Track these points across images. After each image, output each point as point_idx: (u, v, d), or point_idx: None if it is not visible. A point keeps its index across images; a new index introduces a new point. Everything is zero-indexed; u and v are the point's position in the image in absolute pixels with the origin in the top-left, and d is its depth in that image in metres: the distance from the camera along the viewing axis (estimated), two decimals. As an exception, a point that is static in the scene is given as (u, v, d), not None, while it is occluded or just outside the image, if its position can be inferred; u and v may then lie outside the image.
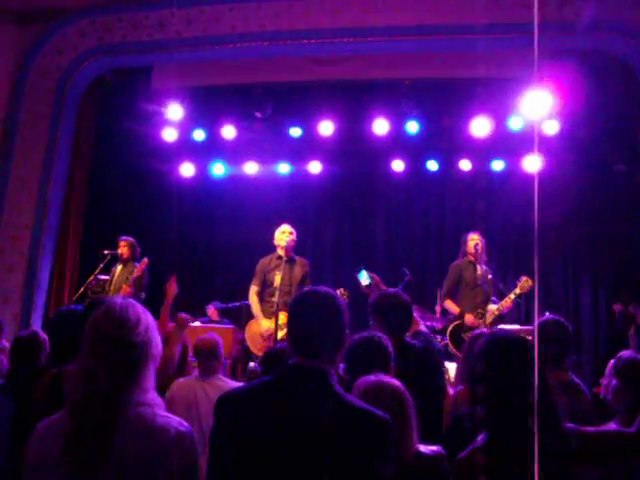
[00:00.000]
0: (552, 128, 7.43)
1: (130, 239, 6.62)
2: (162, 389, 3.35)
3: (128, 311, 1.71)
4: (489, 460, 1.85)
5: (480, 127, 7.47)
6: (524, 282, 5.96)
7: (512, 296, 5.98)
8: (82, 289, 6.41)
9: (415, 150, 8.28)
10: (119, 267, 6.53)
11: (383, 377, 2.13)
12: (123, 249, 6.52)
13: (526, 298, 7.84)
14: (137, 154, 8.19)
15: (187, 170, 8.75)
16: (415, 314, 3.46)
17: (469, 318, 5.96)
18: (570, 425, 2.02)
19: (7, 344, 4.04)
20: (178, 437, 1.63)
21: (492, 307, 6.05)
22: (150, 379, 1.71)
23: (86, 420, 1.60)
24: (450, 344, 5.95)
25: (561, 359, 3.08)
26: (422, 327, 3.62)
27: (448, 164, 8.40)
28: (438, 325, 6.46)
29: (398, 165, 8.42)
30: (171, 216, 8.80)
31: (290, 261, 5.96)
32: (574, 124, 7.31)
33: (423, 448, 2.09)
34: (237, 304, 7.38)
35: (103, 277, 6.52)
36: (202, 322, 7.59)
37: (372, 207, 9.11)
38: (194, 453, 1.66)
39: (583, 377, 5.31)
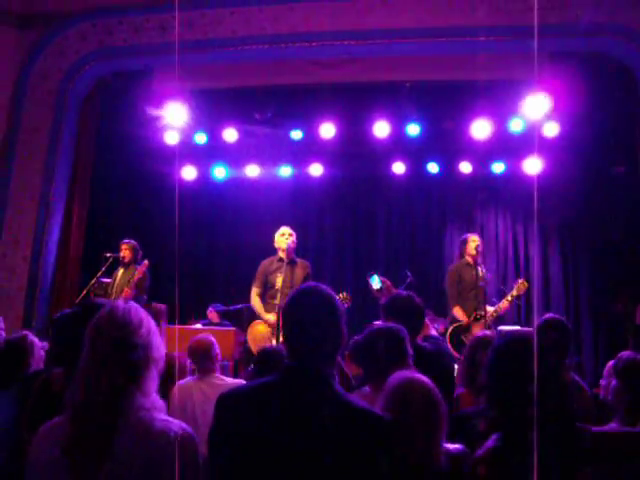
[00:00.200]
0: (552, 130, 7.45)
1: (132, 242, 6.64)
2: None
3: (130, 314, 1.72)
4: (504, 460, 1.82)
5: (480, 129, 7.48)
6: (520, 284, 6.04)
7: (509, 298, 6.01)
8: (84, 292, 6.42)
9: (416, 152, 8.29)
10: (121, 270, 6.55)
11: (415, 374, 2.06)
12: (125, 252, 6.54)
13: (526, 299, 7.87)
14: (139, 157, 8.21)
15: (189, 173, 8.77)
16: (426, 318, 3.47)
17: (477, 331, 5.90)
18: (583, 425, 2.00)
19: None
20: (178, 440, 1.63)
21: (490, 309, 6.06)
22: (152, 382, 1.71)
23: (86, 423, 1.61)
24: (450, 346, 5.96)
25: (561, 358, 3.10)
26: (433, 331, 3.64)
27: (449, 166, 8.41)
28: (440, 327, 6.48)
29: (399, 167, 8.44)
30: (172, 219, 8.80)
31: (291, 263, 5.98)
32: (574, 126, 7.33)
33: (450, 446, 2.06)
34: (238, 306, 7.39)
35: (105, 280, 6.54)
36: (203, 324, 7.62)
37: (373, 209, 9.12)
38: (195, 456, 1.66)
39: (584, 377, 5.34)
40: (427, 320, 3.54)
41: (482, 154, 8.08)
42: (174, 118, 7.41)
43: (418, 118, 7.64)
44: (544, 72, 6.92)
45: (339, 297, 5.81)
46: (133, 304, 1.78)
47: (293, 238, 6.03)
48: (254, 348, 5.90)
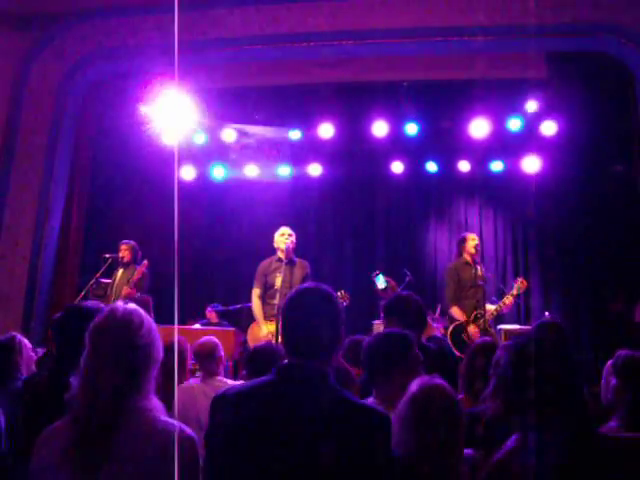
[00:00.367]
0: (550, 129, 7.47)
1: (131, 243, 6.64)
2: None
3: (131, 314, 1.72)
4: (525, 461, 1.79)
5: (479, 128, 7.50)
6: (520, 283, 6.04)
7: (510, 297, 6.01)
8: (83, 293, 6.43)
9: (414, 152, 8.30)
10: (120, 271, 6.55)
11: (436, 380, 2.00)
12: (124, 253, 6.54)
13: (525, 299, 7.88)
14: (137, 157, 8.21)
15: (188, 173, 8.77)
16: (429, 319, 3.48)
17: (472, 329, 5.91)
18: (602, 431, 1.97)
19: None
20: (178, 441, 1.63)
21: (490, 307, 6.06)
22: (151, 383, 1.72)
23: (88, 424, 1.61)
24: (450, 344, 5.97)
25: None
26: (437, 332, 3.64)
27: (447, 165, 8.42)
28: (440, 327, 6.49)
29: (397, 167, 8.45)
30: (171, 219, 8.80)
31: (290, 263, 5.98)
32: (572, 125, 7.34)
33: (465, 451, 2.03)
34: (237, 307, 7.39)
35: (104, 280, 6.54)
36: (202, 324, 7.62)
37: (372, 208, 9.12)
38: (195, 458, 1.66)
39: (584, 377, 5.34)
40: (430, 321, 3.55)
41: (480, 153, 8.10)
42: (173, 118, 7.40)
43: (416, 117, 7.66)
44: (542, 72, 6.93)
45: (337, 295, 5.82)
46: (133, 304, 1.79)
47: (292, 238, 6.03)
48: (254, 349, 5.91)
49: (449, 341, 5.96)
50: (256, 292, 6.05)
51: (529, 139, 7.79)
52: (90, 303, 2.56)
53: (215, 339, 4.14)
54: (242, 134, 8.16)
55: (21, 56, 7.02)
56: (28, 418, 2.30)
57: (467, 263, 6.28)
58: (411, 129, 7.72)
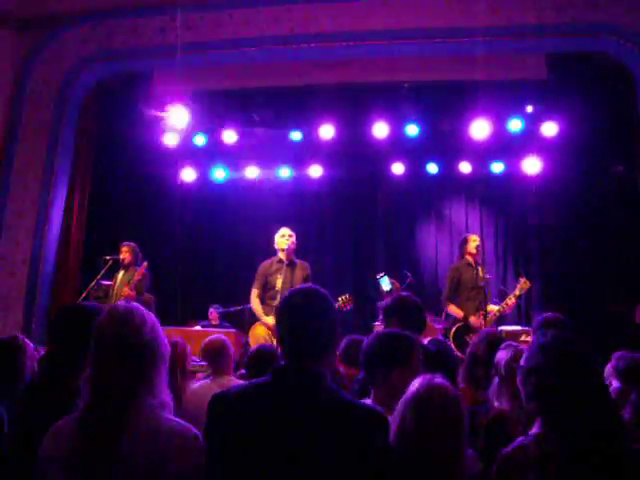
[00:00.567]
0: (551, 130, 7.46)
1: (132, 244, 6.64)
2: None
3: (132, 313, 1.73)
4: (543, 458, 1.76)
5: (479, 129, 7.49)
6: (523, 283, 6.04)
7: (512, 297, 6.02)
8: (84, 294, 6.42)
9: (415, 153, 8.30)
10: (121, 272, 6.55)
11: (438, 379, 1.96)
12: (125, 254, 6.53)
13: (526, 298, 7.87)
14: (138, 159, 8.21)
15: (188, 175, 8.78)
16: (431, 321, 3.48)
17: (474, 320, 5.96)
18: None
19: None
20: (184, 441, 1.64)
21: (494, 307, 6.07)
22: (161, 380, 1.72)
23: (95, 423, 1.62)
24: (453, 346, 5.97)
25: None
26: (439, 335, 3.64)
27: (448, 167, 8.42)
28: (440, 327, 6.49)
29: (398, 168, 8.45)
30: (172, 221, 8.82)
31: (291, 264, 5.98)
32: (573, 126, 7.34)
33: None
34: (238, 308, 7.39)
35: (105, 282, 6.54)
36: (202, 326, 7.62)
37: (372, 210, 9.13)
38: (200, 458, 1.66)
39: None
40: (432, 323, 3.55)
41: (481, 154, 8.10)
42: (174, 120, 7.41)
43: (417, 119, 7.66)
44: (542, 73, 6.93)
45: (341, 299, 5.82)
46: (134, 304, 1.80)
47: (293, 239, 6.04)
48: (256, 350, 5.90)
49: (452, 342, 5.97)
50: (255, 292, 6.05)
51: (530, 140, 7.79)
52: (86, 303, 2.56)
53: (224, 337, 4.09)
54: (243, 135, 8.16)
55: (22, 57, 7.02)
56: (25, 418, 2.30)
57: (469, 264, 6.29)
58: (411, 130, 7.72)
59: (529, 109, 7.45)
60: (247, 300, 6.24)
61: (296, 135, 8.17)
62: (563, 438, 1.76)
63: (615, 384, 2.85)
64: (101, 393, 1.63)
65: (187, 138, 8.13)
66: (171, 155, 8.25)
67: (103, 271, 6.49)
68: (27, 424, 2.19)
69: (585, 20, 6.05)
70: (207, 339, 4.03)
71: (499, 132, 7.62)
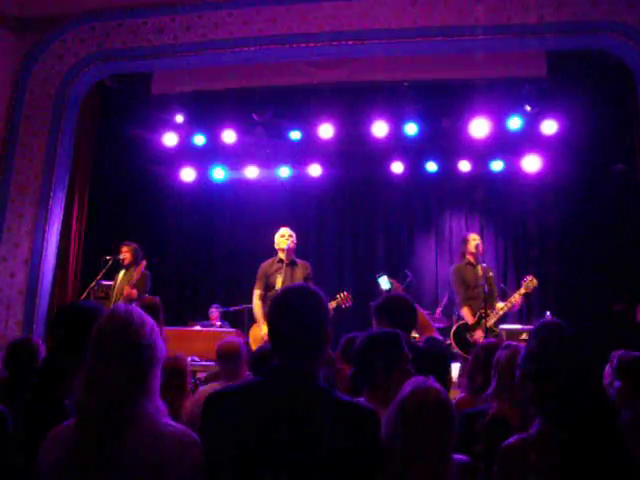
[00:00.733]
0: (551, 128, 7.46)
1: (132, 244, 6.63)
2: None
3: (132, 314, 1.73)
4: (544, 453, 1.77)
5: (479, 128, 7.49)
6: (529, 282, 6.00)
7: (517, 296, 5.99)
8: (84, 295, 6.42)
9: (414, 152, 8.30)
10: (122, 272, 6.54)
11: (430, 382, 1.95)
12: (125, 254, 6.53)
13: (526, 298, 7.87)
14: (138, 159, 8.22)
15: (188, 175, 8.78)
16: (429, 320, 3.47)
17: (478, 334, 5.88)
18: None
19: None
20: (182, 445, 1.63)
21: (499, 305, 6.03)
22: (156, 384, 1.71)
23: (93, 426, 1.61)
24: (453, 344, 5.97)
25: None
26: (436, 334, 3.64)
27: (447, 165, 8.42)
28: (439, 325, 6.49)
29: (397, 167, 8.44)
30: (172, 220, 8.82)
31: (291, 264, 5.99)
32: (573, 124, 7.33)
33: (456, 457, 1.99)
34: (238, 307, 7.40)
35: (105, 282, 6.54)
36: (202, 326, 7.62)
37: (372, 209, 9.13)
38: (199, 462, 1.66)
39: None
40: (431, 321, 3.54)
41: (481, 153, 8.10)
42: (173, 119, 7.42)
43: (416, 117, 7.64)
44: (542, 70, 6.92)
45: (340, 296, 5.82)
46: (134, 305, 1.80)
47: (293, 239, 6.04)
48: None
49: (452, 340, 5.97)
50: (257, 293, 6.05)
51: (529, 138, 7.79)
52: (87, 301, 2.56)
53: (239, 339, 4.04)
54: (242, 135, 8.16)
55: (21, 57, 7.02)
56: (25, 419, 2.30)
57: (470, 263, 6.28)
58: (411, 129, 7.71)
59: (528, 107, 7.44)
60: (247, 300, 6.24)
61: (295, 135, 8.16)
62: (562, 438, 1.76)
63: (615, 384, 2.84)
64: (100, 397, 1.62)
65: (186, 138, 8.14)
66: (171, 155, 8.25)
67: (104, 271, 6.49)
68: (27, 425, 2.20)
69: (585, 17, 6.04)
70: (223, 340, 3.97)
71: (499, 130, 7.61)
